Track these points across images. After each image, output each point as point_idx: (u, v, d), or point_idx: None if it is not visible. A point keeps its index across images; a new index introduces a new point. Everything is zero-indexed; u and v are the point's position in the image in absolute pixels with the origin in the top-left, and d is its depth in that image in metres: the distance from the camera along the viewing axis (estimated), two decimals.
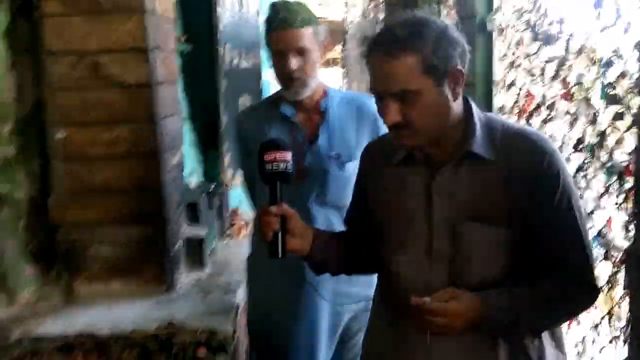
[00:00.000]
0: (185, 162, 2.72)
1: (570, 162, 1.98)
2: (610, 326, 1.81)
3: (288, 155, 1.48)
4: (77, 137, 2.18)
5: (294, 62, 1.90)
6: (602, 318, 1.84)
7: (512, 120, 1.39)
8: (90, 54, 2.13)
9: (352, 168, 1.87)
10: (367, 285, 1.97)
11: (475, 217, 1.35)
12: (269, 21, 1.94)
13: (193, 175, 3.28)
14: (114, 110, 2.16)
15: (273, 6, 1.95)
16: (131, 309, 2.14)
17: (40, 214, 2.30)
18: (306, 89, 1.96)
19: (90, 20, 2.11)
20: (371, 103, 1.88)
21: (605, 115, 1.84)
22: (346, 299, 2.10)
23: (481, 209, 1.36)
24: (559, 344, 1.48)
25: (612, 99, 1.80)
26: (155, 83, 2.16)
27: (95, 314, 2.11)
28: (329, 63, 14.90)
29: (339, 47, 11.80)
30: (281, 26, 1.89)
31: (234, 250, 2.98)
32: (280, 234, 1.44)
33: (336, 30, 12.37)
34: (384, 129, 1.94)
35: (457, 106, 1.38)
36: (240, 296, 2.37)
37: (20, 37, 2.21)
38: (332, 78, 11.85)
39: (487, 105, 2.48)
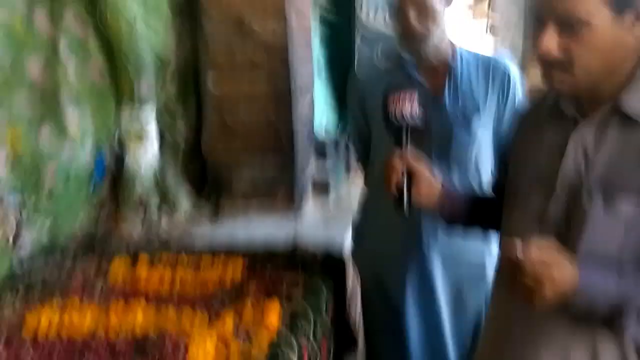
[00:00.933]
0: (320, 114, 3.04)
1: None
2: None
3: (415, 102, 1.45)
4: (224, 87, 2.59)
5: (413, 16, 1.80)
6: None
7: None
8: (238, 14, 2.50)
9: (478, 128, 1.86)
10: (479, 253, 1.99)
11: (606, 187, 1.11)
12: None
13: (327, 126, 3.62)
14: (255, 57, 2.54)
15: None
16: (265, 226, 2.54)
17: (195, 143, 2.77)
18: (428, 48, 1.85)
19: None
20: (505, 63, 1.93)
21: None
22: (459, 267, 2.04)
23: (615, 179, 1.11)
24: None
25: None
26: (291, 37, 2.50)
27: (238, 231, 2.52)
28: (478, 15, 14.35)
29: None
30: None
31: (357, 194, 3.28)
32: (405, 188, 1.38)
33: None
34: (517, 91, 1.93)
35: (634, 52, 1.11)
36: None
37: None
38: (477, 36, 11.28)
39: None
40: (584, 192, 1.13)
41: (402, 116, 1.43)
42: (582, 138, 1.16)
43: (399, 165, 1.39)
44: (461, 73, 1.92)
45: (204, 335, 1.45)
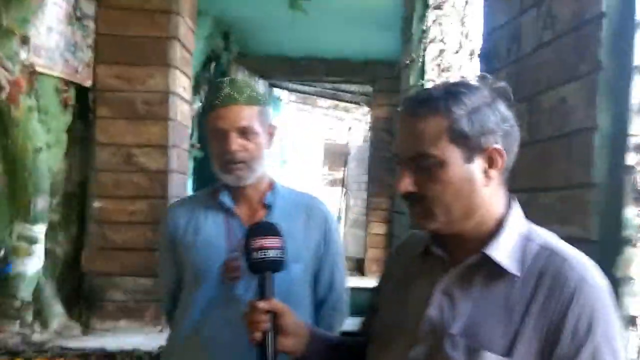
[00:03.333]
0: None
1: None
2: None
3: (279, 241, 1.31)
4: (109, 206, 2.95)
5: (238, 142, 1.63)
6: None
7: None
8: (126, 146, 2.95)
9: (298, 271, 1.66)
10: None
11: (470, 340, 1.05)
12: (211, 98, 1.69)
13: None
14: (138, 188, 2.94)
15: (217, 83, 1.72)
16: (134, 339, 2.79)
17: (72, 265, 3.02)
18: (250, 175, 1.67)
19: (128, 122, 2.95)
20: (321, 204, 1.79)
21: None
22: None
23: (479, 334, 1.05)
24: None
25: None
26: (171, 170, 2.96)
27: (107, 341, 2.76)
28: (335, 183, 15.91)
29: (342, 169, 12.78)
30: (224, 102, 1.64)
31: None
32: (270, 334, 1.22)
33: (341, 152, 13.48)
34: (336, 231, 1.80)
35: (490, 198, 1.09)
36: None
37: (76, 132, 3.04)
38: (335, 197, 12.65)
39: None
40: (447, 342, 1.06)
41: (264, 262, 1.28)
42: (449, 284, 1.10)
43: (263, 316, 1.22)
44: (279, 210, 1.72)
45: None
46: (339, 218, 12.03)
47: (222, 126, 1.64)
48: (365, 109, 9.70)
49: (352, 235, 10.05)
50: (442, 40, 3.16)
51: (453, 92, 1.06)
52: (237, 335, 1.41)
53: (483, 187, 1.07)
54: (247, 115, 1.65)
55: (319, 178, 16.11)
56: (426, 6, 3.34)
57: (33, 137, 2.54)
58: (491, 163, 1.07)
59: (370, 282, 2.29)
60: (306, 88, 9.57)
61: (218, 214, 1.72)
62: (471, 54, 2.75)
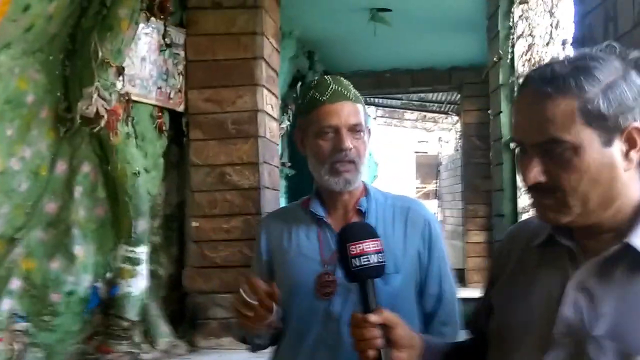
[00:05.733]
0: None
1: None
2: None
3: (379, 243, 1.21)
4: (205, 225, 3.02)
5: (350, 140, 1.53)
6: None
7: None
8: (219, 166, 3.02)
9: (399, 283, 1.52)
10: None
11: (618, 338, 0.93)
12: (315, 95, 1.59)
13: None
14: (232, 206, 3.00)
15: (320, 80, 1.63)
16: (238, 356, 2.82)
17: (175, 285, 3.12)
18: (357, 178, 1.57)
19: (220, 143, 3.03)
20: (421, 207, 1.64)
21: None
22: None
23: (630, 329, 0.93)
24: None
25: None
26: (263, 187, 3.00)
27: (212, 359, 2.81)
28: (428, 195, 15.70)
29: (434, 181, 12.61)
30: (334, 98, 1.55)
31: None
32: (384, 351, 1.10)
33: (432, 164, 13.31)
34: (439, 237, 1.60)
35: (631, 182, 0.98)
36: None
37: (172, 156, 3.15)
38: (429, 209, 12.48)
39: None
40: (591, 345, 0.93)
41: (366, 269, 1.18)
42: (584, 279, 0.98)
43: (374, 330, 1.11)
44: (375, 216, 1.59)
45: None
46: None
47: (334, 122, 1.52)
48: (454, 118, 9.54)
49: (450, 246, 9.82)
50: (530, 34, 3.04)
51: (582, 67, 0.94)
52: (335, 358, 1.34)
53: (624, 173, 0.95)
54: (357, 112, 1.54)
55: (412, 191, 15.95)
56: (511, 2, 3.24)
57: (131, 162, 2.66)
58: (632, 144, 0.94)
59: (473, 292, 2.12)
60: (393, 102, 9.53)
61: (310, 224, 1.60)
62: (563, 43, 2.62)
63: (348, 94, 1.54)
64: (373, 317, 1.08)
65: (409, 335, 1.13)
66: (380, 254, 1.20)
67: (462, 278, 6.25)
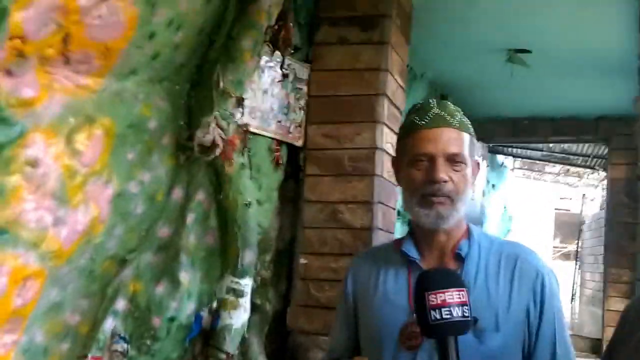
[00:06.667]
0: None
1: None
2: None
3: (464, 294, 1.08)
4: (314, 263, 2.93)
5: (445, 169, 1.36)
6: None
7: None
8: (332, 203, 2.94)
9: (498, 343, 1.33)
10: None
11: None
12: (415, 119, 1.42)
13: None
14: (342, 245, 2.88)
15: (420, 104, 1.48)
16: None
17: (280, 322, 3.04)
18: (452, 215, 1.38)
19: (335, 180, 2.95)
20: (533, 256, 1.43)
21: None
22: None
23: None
24: None
25: None
26: (375, 227, 2.86)
27: None
28: (567, 257, 14.60)
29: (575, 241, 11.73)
30: (432, 123, 1.38)
31: None
32: None
33: (574, 222, 12.37)
34: (554, 294, 1.43)
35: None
36: None
37: (287, 191, 3.12)
38: (568, 272, 11.65)
39: None
40: None
41: (447, 324, 1.05)
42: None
43: None
44: (476, 263, 1.40)
45: None
46: (573, 295, 10.92)
47: (428, 150, 1.37)
48: (601, 173, 8.82)
49: (588, 313, 9.01)
50: None
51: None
52: None
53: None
54: (459, 141, 1.38)
55: (549, 251, 14.94)
56: None
57: (244, 193, 2.64)
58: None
59: None
60: (532, 153, 9.01)
61: (400, 266, 1.44)
62: None
63: (451, 119, 1.40)
64: None
65: None
66: (465, 307, 1.06)
67: (597, 349, 5.68)
